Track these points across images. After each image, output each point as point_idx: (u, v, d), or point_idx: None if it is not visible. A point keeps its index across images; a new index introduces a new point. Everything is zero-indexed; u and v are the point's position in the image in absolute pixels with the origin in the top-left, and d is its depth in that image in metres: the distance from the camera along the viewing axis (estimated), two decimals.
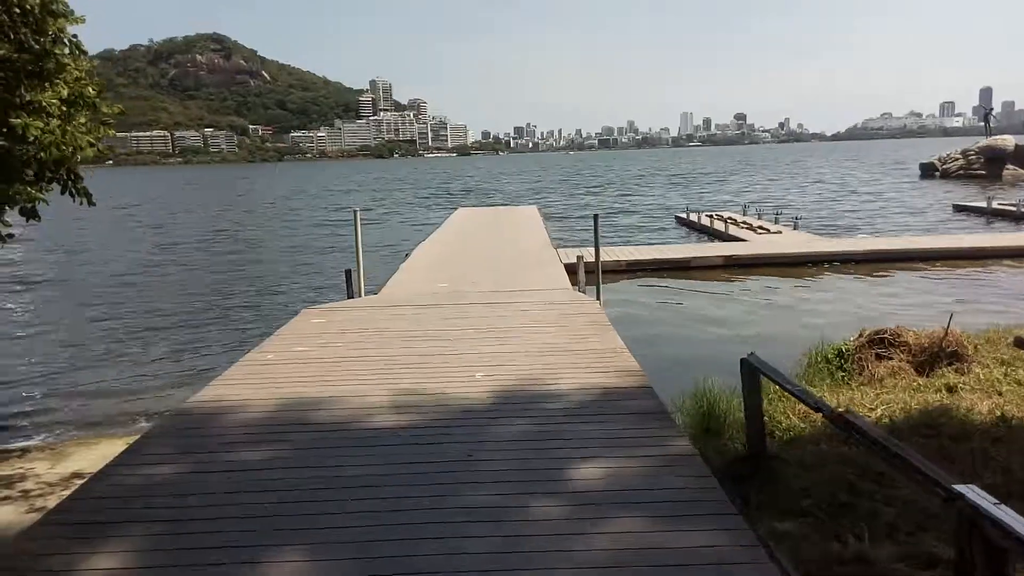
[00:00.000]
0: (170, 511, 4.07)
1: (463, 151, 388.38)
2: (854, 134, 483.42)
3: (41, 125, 5.74)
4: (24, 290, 19.53)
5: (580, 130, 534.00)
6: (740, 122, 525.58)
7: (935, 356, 8.32)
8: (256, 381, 6.52)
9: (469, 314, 9.26)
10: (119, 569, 3.51)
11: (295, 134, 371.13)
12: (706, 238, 24.64)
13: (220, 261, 24.19)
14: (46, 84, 6.21)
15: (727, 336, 11.89)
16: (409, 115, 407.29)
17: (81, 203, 6.73)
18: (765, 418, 5.97)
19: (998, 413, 6.49)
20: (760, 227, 23.61)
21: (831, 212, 34.23)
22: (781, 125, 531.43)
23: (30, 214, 6.73)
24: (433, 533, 3.75)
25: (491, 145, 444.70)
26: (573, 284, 11.81)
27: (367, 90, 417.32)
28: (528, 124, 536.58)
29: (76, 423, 8.87)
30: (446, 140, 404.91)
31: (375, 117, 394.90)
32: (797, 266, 17.78)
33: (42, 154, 5.82)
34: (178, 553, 3.62)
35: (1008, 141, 51.31)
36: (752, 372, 5.33)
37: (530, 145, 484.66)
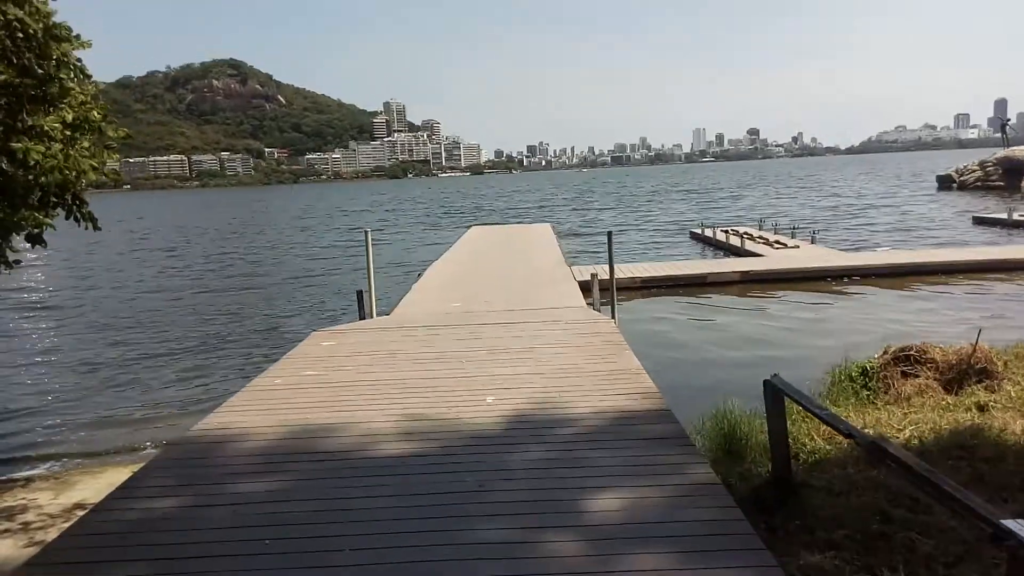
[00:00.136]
0: (169, 548, 3.89)
1: (476, 170, 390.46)
2: (868, 147, 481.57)
3: (42, 149, 5.65)
4: (35, 315, 19.54)
5: (593, 147, 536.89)
6: (753, 137, 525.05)
7: (963, 373, 8.03)
8: (262, 407, 6.35)
9: (481, 334, 9.08)
10: None
11: (310, 156, 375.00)
12: (721, 254, 24.35)
13: (233, 284, 24.16)
14: (50, 108, 6.16)
15: (745, 354, 11.61)
16: (423, 135, 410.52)
17: (86, 228, 6.64)
18: (788, 439, 5.72)
19: None
20: (777, 242, 23.28)
21: (849, 226, 33.80)
22: (794, 139, 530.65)
23: (36, 240, 6.64)
24: (442, 571, 3.55)
25: (504, 164, 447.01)
26: (587, 301, 11.61)
27: (381, 112, 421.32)
28: (541, 142, 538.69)
29: (82, 451, 8.71)
30: (459, 160, 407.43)
31: (389, 138, 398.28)
32: (816, 281, 17.46)
33: (43, 179, 5.72)
34: None
35: None
36: (776, 394, 5.09)
37: (543, 163, 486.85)
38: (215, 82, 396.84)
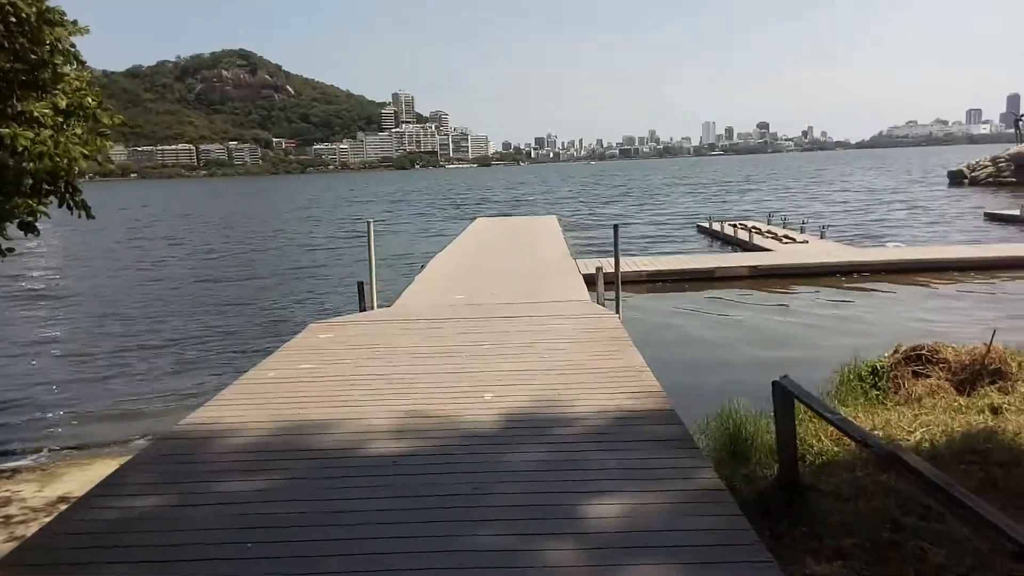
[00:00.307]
0: (149, 550, 3.73)
1: (484, 162, 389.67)
2: (879, 142, 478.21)
3: (31, 136, 5.50)
4: (31, 304, 19.42)
5: (601, 140, 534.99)
6: (763, 131, 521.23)
7: (976, 374, 7.82)
8: (254, 401, 6.19)
9: (483, 328, 8.91)
10: None
11: (318, 147, 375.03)
12: (729, 248, 24.10)
13: (234, 274, 24.03)
14: (42, 94, 6.01)
15: (753, 350, 11.42)
16: (431, 127, 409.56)
17: (79, 216, 6.52)
18: (797, 443, 5.53)
19: None
20: (786, 236, 23.03)
21: (859, 221, 33.48)
22: (804, 133, 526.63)
23: (29, 228, 6.53)
24: None
25: (512, 156, 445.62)
26: (591, 293, 11.42)
27: (389, 103, 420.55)
28: (549, 135, 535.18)
29: (72, 442, 8.56)
30: (467, 151, 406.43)
31: (397, 129, 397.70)
32: (825, 276, 17.23)
33: (31, 165, 5.56)
34: None
35: None
36: (786, 396, 4.90)
37: (551, 155, 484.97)
38: (224, 72, 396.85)
